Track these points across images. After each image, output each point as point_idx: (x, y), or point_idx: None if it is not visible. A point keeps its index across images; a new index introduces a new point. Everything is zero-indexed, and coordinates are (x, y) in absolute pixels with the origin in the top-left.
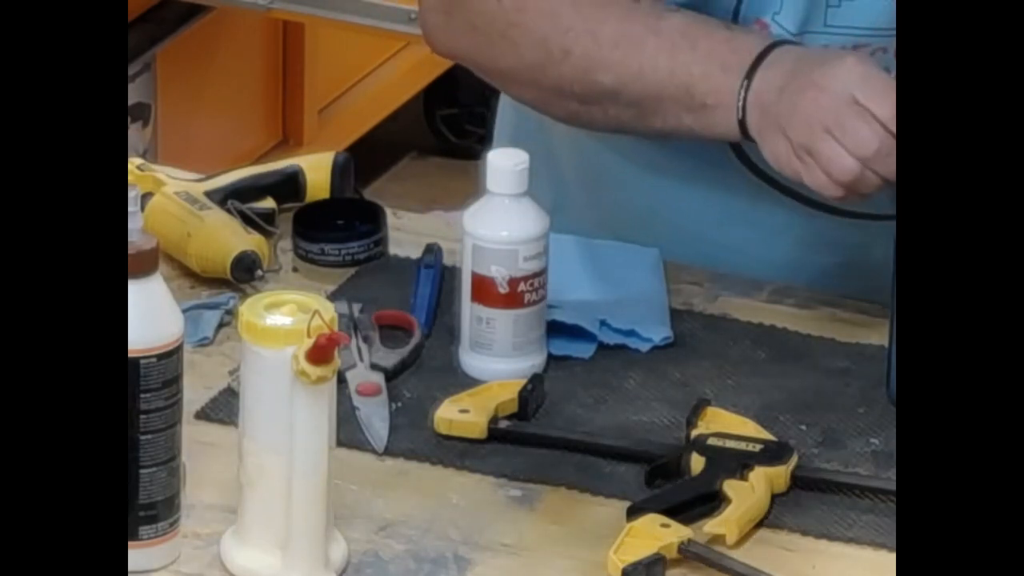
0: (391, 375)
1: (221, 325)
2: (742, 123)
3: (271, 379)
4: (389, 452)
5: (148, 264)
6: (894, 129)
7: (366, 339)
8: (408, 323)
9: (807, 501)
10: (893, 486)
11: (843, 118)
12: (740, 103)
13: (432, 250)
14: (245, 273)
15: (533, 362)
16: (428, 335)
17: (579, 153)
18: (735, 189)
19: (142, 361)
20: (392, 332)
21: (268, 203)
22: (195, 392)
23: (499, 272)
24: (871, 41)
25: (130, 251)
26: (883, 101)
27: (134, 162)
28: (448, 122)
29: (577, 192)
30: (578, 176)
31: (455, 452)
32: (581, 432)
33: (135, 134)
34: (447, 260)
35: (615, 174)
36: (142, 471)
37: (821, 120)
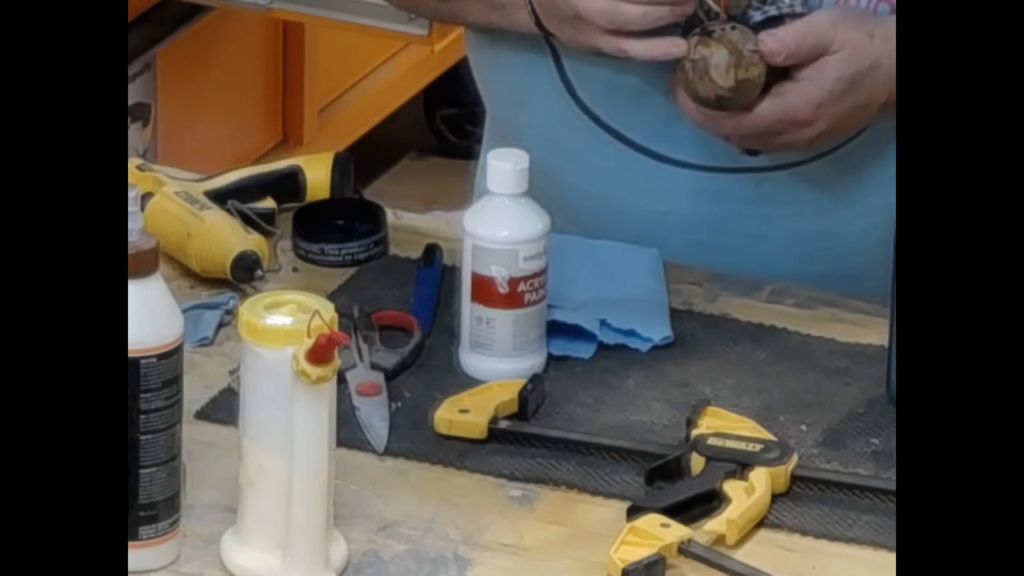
0: (391, 375)
1: (221, 325)
2: (537, 21)
3: (271, 379)
4: (389, 452)
5: (148, 264)
6: None
7: (366, 339)
8: (408, 323)
9: (807, 501)
10: (893, 486)
11: None
12: (528, 4)
13: (432, 250)
14: (245, 273)
15: (533, 362)
16: (428, 335)
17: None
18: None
19: (142, 361)
20: (392, 332)
21: (268, 203)
22: (195, 392)
23: (499, 272)
24: None
25: (130, 251)
26: None
27: (134, 162)
28: (448, 122)
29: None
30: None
31: (455, 452)
32: (581, 432)
33: (135, 134)
34: (447, 260)
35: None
36: (142, 471)
37: None
